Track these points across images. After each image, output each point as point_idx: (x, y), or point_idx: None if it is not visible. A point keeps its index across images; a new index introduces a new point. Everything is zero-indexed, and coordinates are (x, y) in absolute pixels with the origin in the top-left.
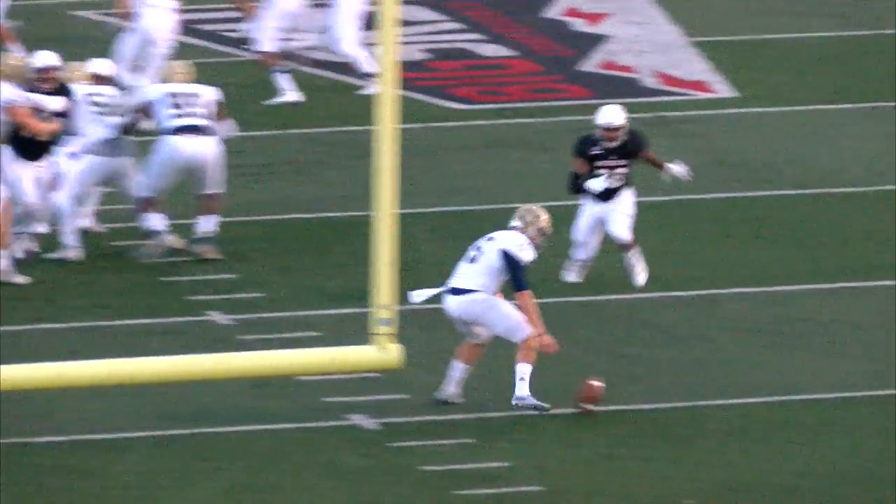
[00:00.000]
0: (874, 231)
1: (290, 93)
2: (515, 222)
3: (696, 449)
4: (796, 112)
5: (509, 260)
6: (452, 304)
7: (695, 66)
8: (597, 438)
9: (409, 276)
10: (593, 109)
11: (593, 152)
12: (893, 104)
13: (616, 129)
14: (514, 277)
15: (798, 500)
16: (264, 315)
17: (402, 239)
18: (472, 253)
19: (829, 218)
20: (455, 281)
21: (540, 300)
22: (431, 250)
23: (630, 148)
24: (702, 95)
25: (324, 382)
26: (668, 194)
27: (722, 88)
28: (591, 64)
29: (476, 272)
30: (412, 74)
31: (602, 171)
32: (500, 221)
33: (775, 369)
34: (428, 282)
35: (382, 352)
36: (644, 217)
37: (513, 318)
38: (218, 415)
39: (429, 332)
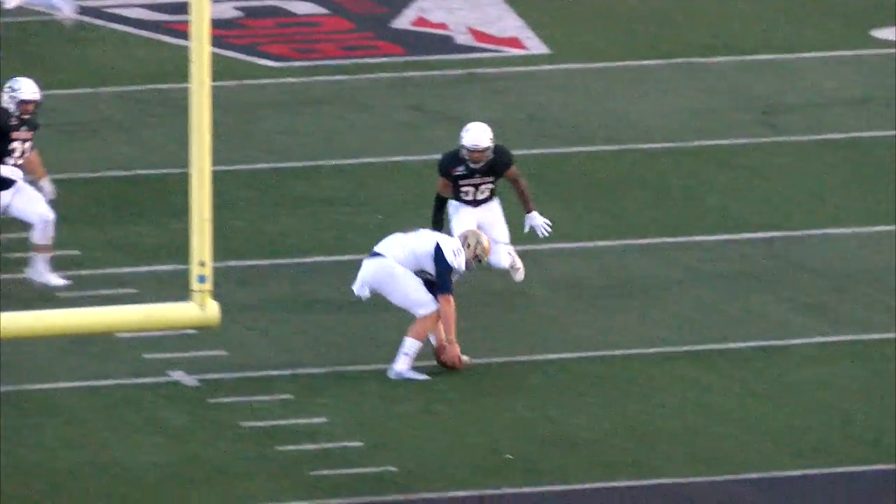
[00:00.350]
0: (692, 187)
1: None
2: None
3: (517, 404)
4: (609, 68)
5: (439, 256)
6: (366, 266)
7: (507, 23)
8: (416, 394)
9: (224, 235)
10: (406, 66)
11: (457, 172)
12: (706, 60)
13: (482, 150)
14: (440, 276)
15: (616, 454)
16: (82, 272)
17: (216, 196)
18: (409, 229)
19: (645, 174)
20: (378, 246)
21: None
22: (247, 208)
23: (496, 166)
24: (514, 52)
25: (143, 339)
26: None
27: (534, 45)
28: (404, 21)
29: (401, 245)
30: (224, 32)
31: (467, 188)
32: (313, 178)
33: (595, 325)
34: (242, 241)
35: (200, 309)
36: None
37: (417, 294)
38: (38, 372)
39: (246, 289)
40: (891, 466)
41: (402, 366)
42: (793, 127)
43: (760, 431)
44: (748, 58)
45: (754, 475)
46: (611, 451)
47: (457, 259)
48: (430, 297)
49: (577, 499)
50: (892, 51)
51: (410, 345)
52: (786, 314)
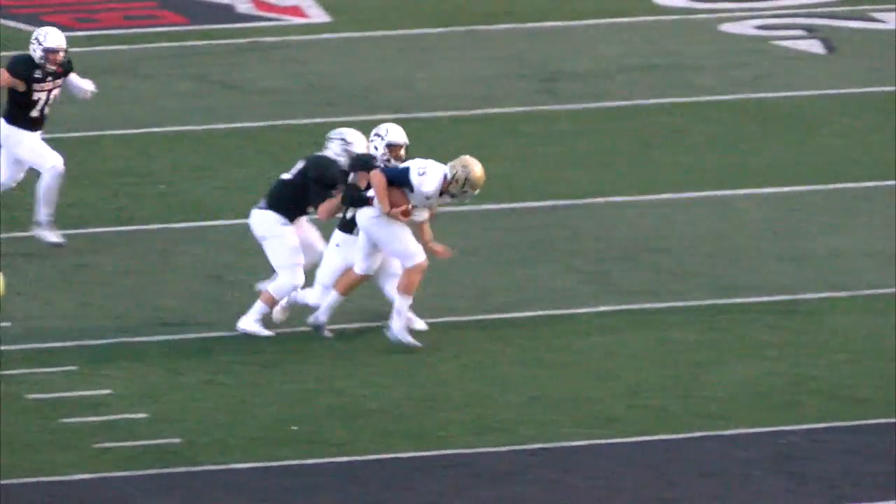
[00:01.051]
0: (476, 155)
1: None
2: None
3: (303, 375)
4: (391, 36)
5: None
6: (360, 215)
7: None
8: (201, 365)
9: (6, 206)
10: (188, 36)
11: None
12: (488, 27)
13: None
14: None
15: (402, 424)
16: None
17: None
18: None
19: (430, 142)
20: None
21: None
22: (30, 178)
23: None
24: (296, 21)
25: None
26: (266, 120)
27: (315, 14)
28: None
29: None
30: (7, 2)
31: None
32: (96, 149)
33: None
34: (25, 212)
35: None
36: (239, 144)
37: (407, 244)
38: None
39: (31, 260)
40: (676, 436)
41: (397, 325)
42: (575, 94)
43: (547, 401)
44: (531, 25)
45: (540, 445)
46: (397, 421)
47: (420, 178)
48: (419, 247)
49: (362, 469)
50: (675, 17)
51: (401, 302)
52: (571, 283)
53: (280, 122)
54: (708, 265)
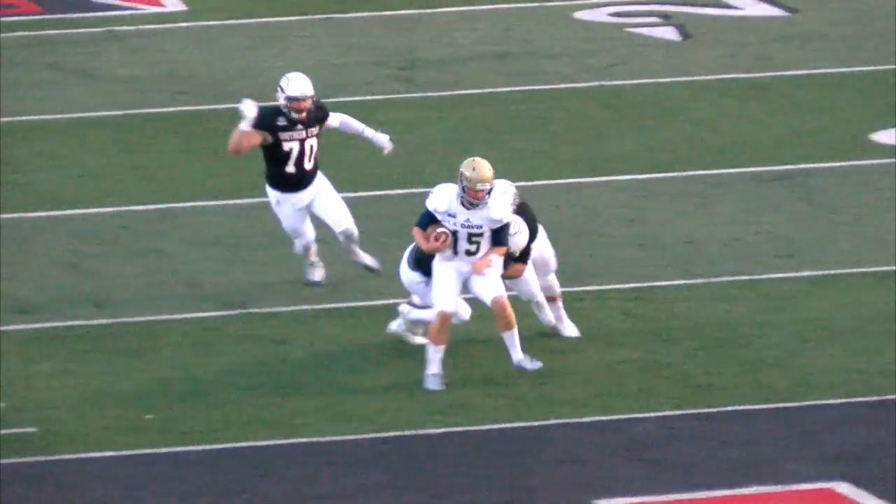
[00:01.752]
0: (333, 143)
1: None
2: None
3: (160, 363)
4: (248, 25)
5: None
6: None
7: None
8: (56, 353)
9: None
10: (44, 24)
11: None
12: (345, 15)
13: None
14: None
15: (259, 412)
16: None
17: None
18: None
19: None
20: None
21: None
22: None
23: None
24: (152, 9)
25: None
26: (124, 108)
27: (172, 2)
28: None
29: None
30: None
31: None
32: None
33: (234, 282)
34: None
35: None
36: (97, 132)
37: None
38: None
39: None
40: (532, 423)
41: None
42: (431, 82)
43: (402, 388)
44: (388, 13)
45: (395, 433)
46: (254, 409)
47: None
48: (447, 297)
49: (219, 458)
50: (529, 5)
51: (429, 350)
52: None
53: (138, 111)
54: (562, 252)
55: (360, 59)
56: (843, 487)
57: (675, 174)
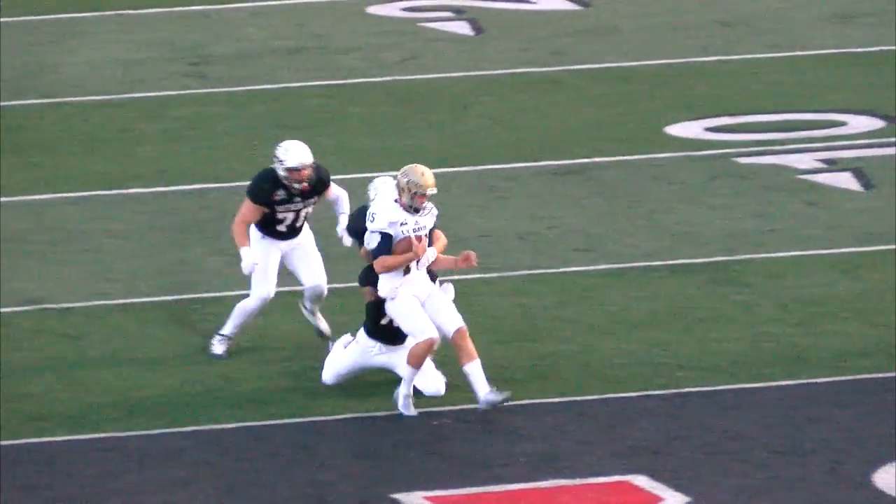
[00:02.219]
0: (125, 140)
1: None
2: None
3: None
4: (39, 21)
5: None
6: None
7: None
8: None
9: None
10: None
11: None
12: (136, 12)
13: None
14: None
15: (52, 408)
16: None
17: None
18: None
19: (79, 127)
20: None
21: None
22: None
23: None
24: None
25: None
26: None
27: None
28: None
29: None
30: None
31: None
32: None
33: (35, 278)
34: None
35: None
36: None
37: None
38: None
39: None
40: (328, 417)
41: (402, 391)
42: (223, 78)
43: (198, 384)
44: (177, 9)
45: (193, 428)
46: (49, 405)
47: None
48: (427, 324)
49: (14, 454)
50: (322, 0)
51: (408, 372)
52: (221, 265)
53: None
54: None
55: (152, 54)
56: (641, 480)
57: (468, 168)
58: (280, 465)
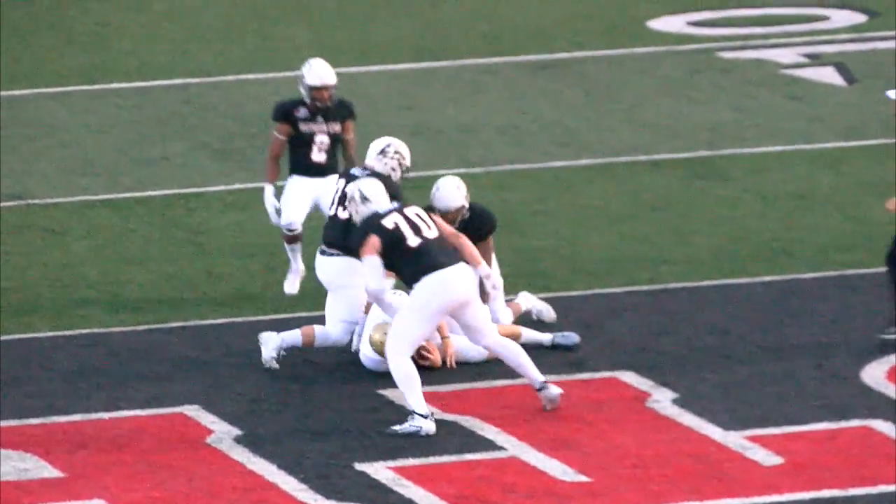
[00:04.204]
0: (104, 34)
1: None
2: None
3: None
4: None
5: None
6: None
7: None
8: None
9: None
10: None
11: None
12: None
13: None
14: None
15: (38, 303)
16: None
17: None
18: None
19: (59, 21)
20: None
21: None
22: None
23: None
24: None
25: None
26: None
27: None
28: None
29: None
30: None
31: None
32: None
33: (12, 175)
34: None
35: None
36: None
37: None
38: None
39: None
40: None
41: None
42: None
43: (182, 278)
44: None
45: (177, 323)
46: (33, 300)
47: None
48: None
49: None
50: None
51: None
52: (203, 161)
53: None
54: None
55: None
56: (628, 376)
57: (447, 63)
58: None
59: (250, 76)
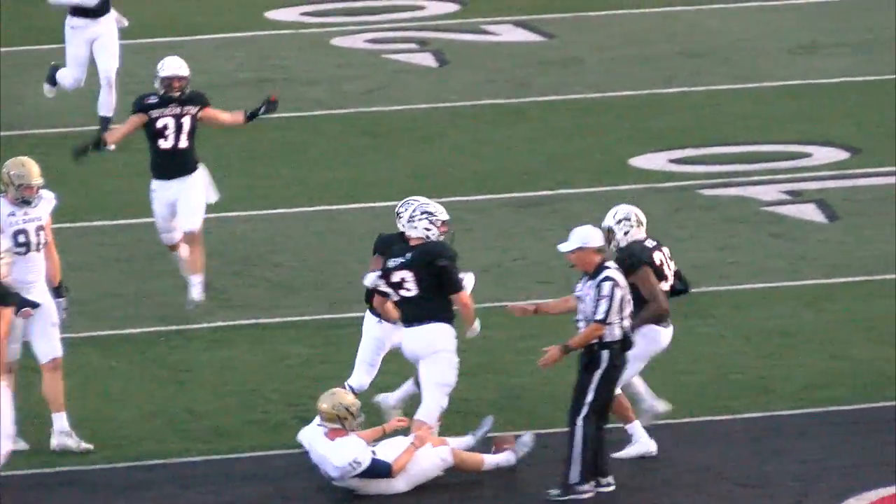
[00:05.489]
0: (90, 175)
1: None
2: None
3: None
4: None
5: None
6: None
7: None
8: None
9: None
10: None
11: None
12: None
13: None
14: None
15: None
16: None
17: None
18: None
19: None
20: None
21: None
22: None
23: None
24: None
25: None
26: None
27: None
28: None
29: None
30: None
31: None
32: None
33: None
34: None
35: None
36: None
37: None
38: None
39: None
40: (293, 451)
41: None
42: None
43: (163, 416)
44: (144, 41)
45: (158, 461)
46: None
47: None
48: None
49: None
50: (287, 32)
51: None
52: (185, 298)
53: None
54: (321, 279)
55: (119, 87)
56: None
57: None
58: (246, 498)
59: (232, 214)
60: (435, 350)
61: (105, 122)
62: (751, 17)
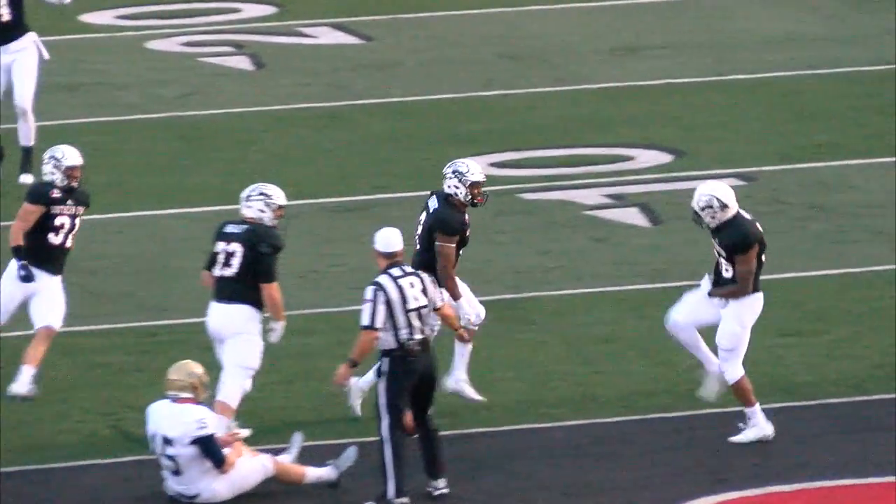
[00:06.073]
0: None
1: None
2: None
3: None
4: None
5: None
6: None
7: None
8: None
9: None
10: None
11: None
12: None
13: None
14: None
15: None
16: None
17: None
18: None
19: None
20: None
21: None
22: None
23: None
24: None
25: None
26: None
27: None
28: None
29: None
30: None
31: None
32: None
33: None
34: None
35: None
36: None
37: None
38: None
39: None
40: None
41: None
42: (2, 115)
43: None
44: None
45: (18, 468)
46: None
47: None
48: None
49: None
50: (100, 35)
51: None
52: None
53: None
54: (137, 286)
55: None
56: None
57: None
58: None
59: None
60: (237, 331)
61: (26, 153)
62: (570, 18)
